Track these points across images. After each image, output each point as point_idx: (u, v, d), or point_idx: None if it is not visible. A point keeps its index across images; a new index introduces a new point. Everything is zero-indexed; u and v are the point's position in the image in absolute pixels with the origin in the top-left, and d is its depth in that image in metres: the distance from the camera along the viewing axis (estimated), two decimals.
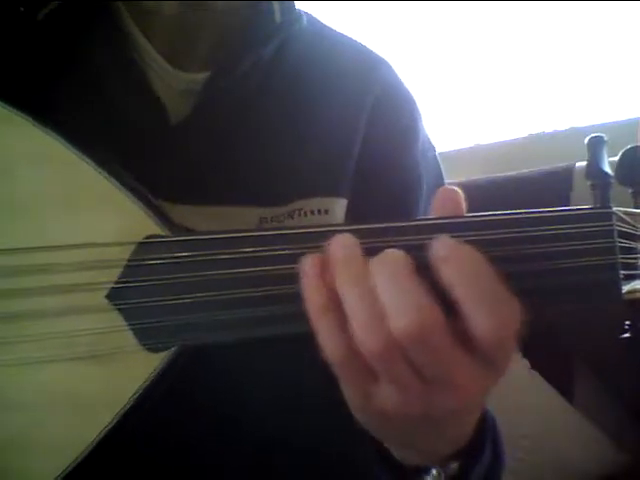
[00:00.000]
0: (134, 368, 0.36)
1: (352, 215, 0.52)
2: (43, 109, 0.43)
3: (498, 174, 1.49)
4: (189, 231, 0.41)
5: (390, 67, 0.58)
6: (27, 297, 0.36)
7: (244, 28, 0.51)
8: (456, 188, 0.35)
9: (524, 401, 1.20)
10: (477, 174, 1.55)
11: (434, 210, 0.35)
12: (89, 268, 0.36)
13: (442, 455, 0.38)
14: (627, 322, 0.42)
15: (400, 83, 0.58)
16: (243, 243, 0.35)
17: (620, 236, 0.35)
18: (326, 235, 0.33)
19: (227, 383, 0.45)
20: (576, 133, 1.62)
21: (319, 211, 0.51)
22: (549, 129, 1.72)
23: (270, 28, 0.52)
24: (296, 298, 0.33)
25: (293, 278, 0.33)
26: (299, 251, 0.34)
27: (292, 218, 0.50)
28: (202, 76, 0.50)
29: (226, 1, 0.50)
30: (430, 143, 0.60)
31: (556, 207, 0.35)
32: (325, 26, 0.59)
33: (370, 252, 0.32)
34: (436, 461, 0.38)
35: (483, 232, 0.34)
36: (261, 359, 0.43)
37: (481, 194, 1.44)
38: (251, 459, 0.49)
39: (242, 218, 0.49)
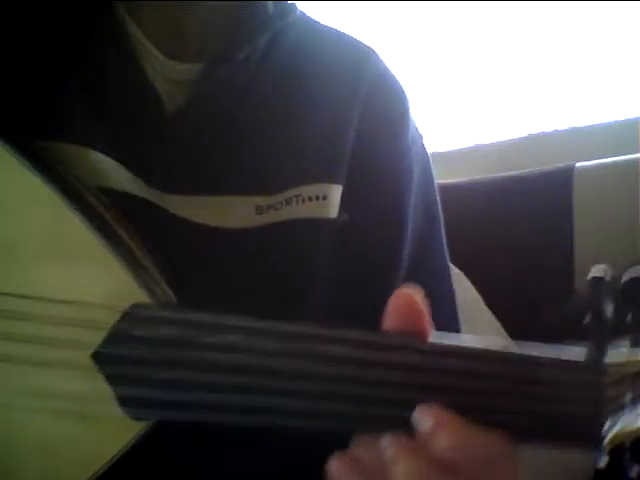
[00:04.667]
0: (113, 432, 0.36)
1: (345, 203, 0.52)
2: (41, 100, 0.43)
3: (498, 174, 1.49)
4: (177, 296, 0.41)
5: (378, 57, 0.59)
6: (9, 343, 0.36)
7: (238, 19, 0.52)
8: (412, 292, 0.34)
9: None
10: (477, 174, 1.55)
11: (388, 316, 0.34)
12: (75, 325, 0.35)
13: None
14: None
15: (389, 72, 0.59)
16: (230, 331, 0.34)
17: (608, 387, 0.33)
18: (316, 335, 0.33)
19: (204, 458, 0.45)
20: (576, 133, 1.62)
21: (317, 197, 0.51)
22: (549, 129, 1.72)
23: (263, 19, 0.52)
24: (277, 393, 0.33)
25: (276, 374, 0.33)
26: (286, 349, 0.33)
27: (290, 205, 0.51)
28: (197, 66, 0.50)
29: (215, 1, 0.50)
30: (418, 132, 0.60)
31: (550, 355, 0.34)
32: (312, 19, 0.59)
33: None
34: None
35: (465, 362, 0.33)
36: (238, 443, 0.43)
37: (481, 194, 1.44)
38: None
39: (238, 207, 0.49)
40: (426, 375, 0.33)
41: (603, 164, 1.32)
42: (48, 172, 0.39)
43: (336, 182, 0.52)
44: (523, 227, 1.33)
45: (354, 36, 0.60)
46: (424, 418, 0.32)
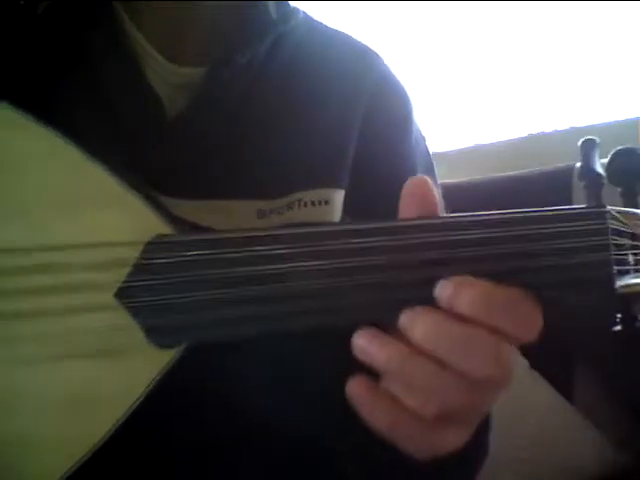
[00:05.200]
0: (143, 365, 0.36)
1: (348, 206, 0.53)
2: (42, 103, 0.43)
3: (498, 174, 1.49)
4: (196, 229, 0.42)
5: (382, 59, 0.59)
6: (34, 296, 0.36)
7: (240, 23, 0.52)
8: (425, 178, 0.35)
9: (524, 401, 1.20)
10: (477, 174, 1.56)
11: (403, 201, 0.35)
12: (97, 267, 0.36)
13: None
14: (618, 315, 0.44)
15: (392, 75, 0.59)
16: (249, 242, 0.35)
17: (612, 233, 0.36)
18: (336, 233, 0.34)
19: (234, 375, 0.45)
20: (576, 133, 1.62)
21: (319, 202, 0.51)
22: (549, 129, 1.72)
23: (266, 24, 0.52)
24: (303, 295, 0.34)
25: (297, 276, 0.34)
26: (302, 250, 0.34)
27: (292, 209, 0.51)
28: (198, 71, 0.50)
29: (216, 1, 0.50)
30: (421, 133, 0.60)
31: (555, 207, 0.36)
32: (315, 20, 0.59)
33: (360, 252, 0.34)
34: None
35: (483, 230, 0.34)
36: (268, 352, 0.43)
37: (481, 194, 1.44)
38: (254, 451, 0.50)
39: (240, 211, 0.49)
40: (446, 250, 0.34)
41: (603, 164, 1.32)
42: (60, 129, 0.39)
43: (339, 187, 0.52)
44: None
45: (357, 38, 0.60)
46: (445, 287, 0.32)
